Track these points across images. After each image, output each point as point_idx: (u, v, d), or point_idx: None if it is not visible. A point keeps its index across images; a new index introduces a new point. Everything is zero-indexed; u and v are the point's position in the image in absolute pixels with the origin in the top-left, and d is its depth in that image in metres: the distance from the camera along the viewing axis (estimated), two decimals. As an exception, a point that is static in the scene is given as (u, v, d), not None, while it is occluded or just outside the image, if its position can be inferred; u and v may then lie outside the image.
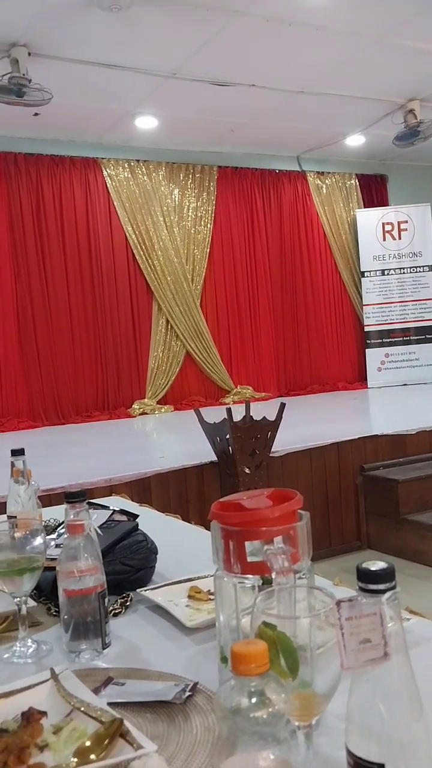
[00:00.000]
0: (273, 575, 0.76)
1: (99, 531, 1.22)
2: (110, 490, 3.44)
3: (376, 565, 0.58)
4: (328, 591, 0.68)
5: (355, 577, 0.59)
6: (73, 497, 1.09)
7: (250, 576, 0.81)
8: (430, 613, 1.10)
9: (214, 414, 4.02)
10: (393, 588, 0.57)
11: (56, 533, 1.45)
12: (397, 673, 0.58)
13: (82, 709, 0.82)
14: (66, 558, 1.07)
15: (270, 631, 0.64)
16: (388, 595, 0.57)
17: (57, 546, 1.29)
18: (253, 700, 0.59)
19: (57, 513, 1.74)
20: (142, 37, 4.73)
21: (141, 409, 6.89)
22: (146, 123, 6.43)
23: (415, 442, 4.67)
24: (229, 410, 3.81)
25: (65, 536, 1.09)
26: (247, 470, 3.82)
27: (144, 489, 3.78)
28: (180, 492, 3.94)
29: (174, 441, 5.70)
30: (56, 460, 4.49)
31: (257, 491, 0.89)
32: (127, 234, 6.98)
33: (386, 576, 0.57)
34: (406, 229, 7.93)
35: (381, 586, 0.57)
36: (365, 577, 0.57)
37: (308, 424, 5.39)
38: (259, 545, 0.80)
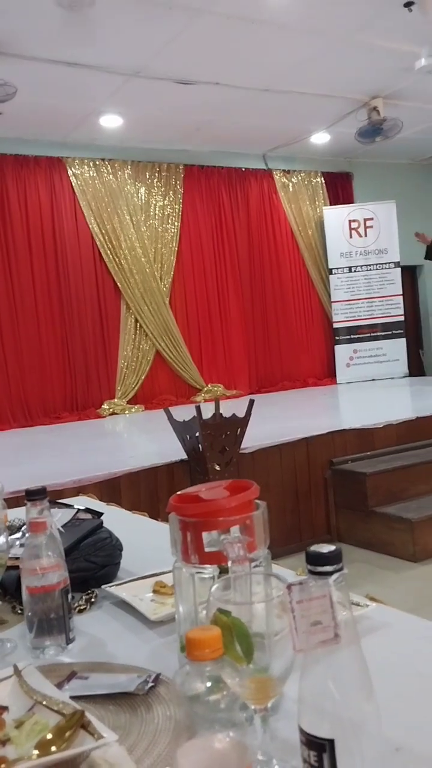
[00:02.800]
0: (229, 564, 0.77)
1: (61, 529, 1.22)
2: (78, 491, 3.42)
3: (324, 547, 0.59)
4: (284, 578, 0.70)
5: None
6: (33, 494, 1.09)
7: (208, 566, 0.82)
8: (398, 603, 1.12)
9: (186, 412, 4.02)
10: (340, 570, 0.58)
11: (21, 532, 1.45)
12: (348, 654, 0.59)
13: (44, 702, 0.82)
14: (29, 556, 1.07)
15: (224, 617, 0.66)
16: (335, 576, 0.58)
17: (21, 545, 1.29)
18: (209, 684, 0.60)
19: (23, 514, 1.73)
20: (105, 35, 4.71)
21: (111, 410, 6.86)
22: (111, 122, 6.41)
23: (383, 436, 4.74)
24: (198, 408, 3.82)
25: (28, 534, 1.09)
26: (217, 467, 3.84)
27: (114, 489, 3.77)
28: (150, 491, 3.94)
29: (145, 440, 5.68)
30: (24, 462, 4.46)
31: (216, 483, 0.90)
32: (93, 233, 6.94)
33: (333, 558, 0.58)
34: (372, 227, 8.01)
35: (328, 568, 0.58)
36: (313, 559, 0.59)
37: (278, 420, 5.43)
38: (217, 536, 0.81)
